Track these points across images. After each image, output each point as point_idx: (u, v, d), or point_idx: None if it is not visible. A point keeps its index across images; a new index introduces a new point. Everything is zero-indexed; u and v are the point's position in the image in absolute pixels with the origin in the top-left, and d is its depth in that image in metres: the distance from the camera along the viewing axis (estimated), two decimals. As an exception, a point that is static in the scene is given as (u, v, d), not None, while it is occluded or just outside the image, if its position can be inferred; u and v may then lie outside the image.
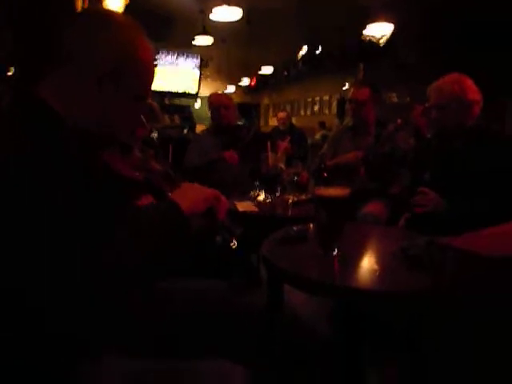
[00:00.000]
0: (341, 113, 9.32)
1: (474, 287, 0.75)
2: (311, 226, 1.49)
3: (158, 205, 0.86)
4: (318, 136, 8.62)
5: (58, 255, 0.63)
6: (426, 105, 1.95)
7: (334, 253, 1.20)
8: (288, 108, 12.35)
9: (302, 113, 12.37)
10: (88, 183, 0.76)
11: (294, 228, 1.46)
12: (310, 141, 6.13)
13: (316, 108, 11.55)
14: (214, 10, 4.88)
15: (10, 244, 0.62)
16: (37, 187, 0.64)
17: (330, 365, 1.75)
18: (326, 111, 10.83)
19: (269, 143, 2.36)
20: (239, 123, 7.70)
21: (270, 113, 15.24)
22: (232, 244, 1.03)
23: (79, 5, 2.59)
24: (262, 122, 15.58)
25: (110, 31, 0.82)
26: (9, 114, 0.75)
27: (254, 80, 13.61)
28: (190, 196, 0.88)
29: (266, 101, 15.87)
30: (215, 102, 2.73)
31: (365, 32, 5.01)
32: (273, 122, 13.18)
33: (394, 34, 4.99)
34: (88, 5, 2.57)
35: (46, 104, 0.77)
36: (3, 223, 0.62)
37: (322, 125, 9.61)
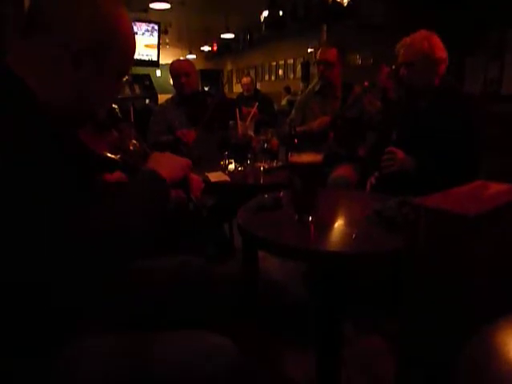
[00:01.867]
0: (306, 76, 9.25)
1: (448, 245, 0.78)
2: (284, 192, 1.50)
3: (138, 174, 0.84)
4: (283, 102, 8.55)
5: (30, 233, 0.60)
6: (393, 67, 1.96)
7: (310, 218, 1.21)
8: (252, 73, 12.14)
9: (267, 78, 12.21)
10: (60, 161, 0.72)
11: (267, 196, 1.47)
12: (276, 107, 6.07)
13: (280, 72, 11.42)
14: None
15: None
16: (5, 167, 0.61)
17: (306, 324, 1.81)
18: (291, 75, 10.73)
19: (237, 111, 2.32)
20: (205, 89, 7.47)
21: (234, 79, 14.95)
22: (203, 212, 1.04)
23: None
24: (226, 89, 15.28)
25: (92, 3, 0.76)
26: None
27: (216, 45, 13.22)
28: (167, 164, 0.87)
29: (229, 66, 15.52)
30: (176, 70, 2.62)
31: (328, -9, 4.90)
32: (237, 88, 12.94)
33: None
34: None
35: (17, 77, 0.72)
36: None
37: (287, 89, 9.53)
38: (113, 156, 1.01)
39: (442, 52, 1.83)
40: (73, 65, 0.75)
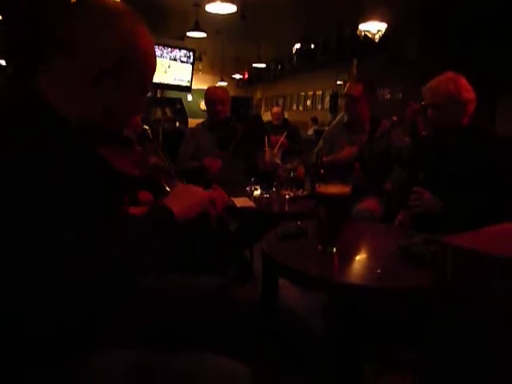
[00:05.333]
0: (333, 108, 9.34)
1: (475, 287, 0.77)
2: (309, 222, 1.50)
3: (150, 210, 0.86)
4: (310, 131, 8.63)
5: (55, 253, 0.63)
6: (422, 103, 1.97)
7: (334, 249, 1.21)
8: (281, 102, 12.31)
9: (295, 107, 12.36)
10: (87, 181, 0.75)
11: (293, 224, 1.47)
12: (302, 136, 6.12)
13: (308, 103, 11.55)
14: (208, 5, 4.86)
15: (9, 238, 0.62)
16: (35, 187, 0.64)
17: (323, 358, 1.77)
18: (319, 106, 10.83)
19: (266, 139, 2.36)
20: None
21: (263, 107, 15.20)
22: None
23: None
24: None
25: (113, 22, 0.80)
26: (6, 109, 0.74)
27: (247, 74, 13.55)
28: (184, 200, 0.87)
29: (258, 95, 15.81)
30: (212, 97, 2.71)
31: (360, 27, 5.00)
32: (265, 116, 13.15)
33: (389, 30, 5.00)
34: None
35: (45, 99, 0.76)
36: (4, 220, 0.63)
37: (315, 120, 9.63)
38: (133, 173, 1.02)
39: (469, 93, 1.82)
40: (99, 81, 0.79)
